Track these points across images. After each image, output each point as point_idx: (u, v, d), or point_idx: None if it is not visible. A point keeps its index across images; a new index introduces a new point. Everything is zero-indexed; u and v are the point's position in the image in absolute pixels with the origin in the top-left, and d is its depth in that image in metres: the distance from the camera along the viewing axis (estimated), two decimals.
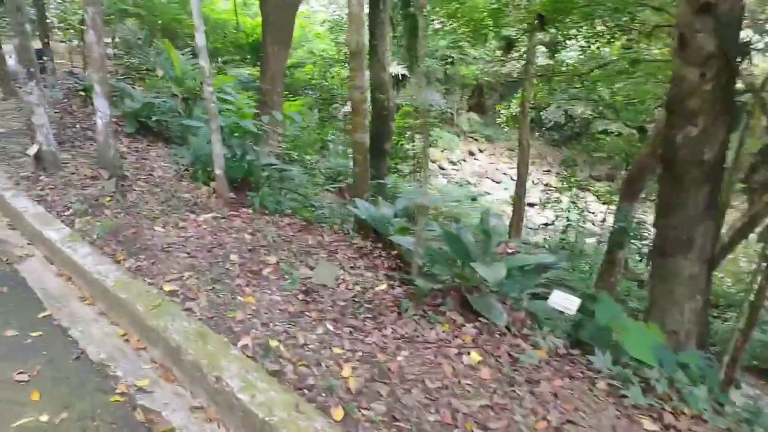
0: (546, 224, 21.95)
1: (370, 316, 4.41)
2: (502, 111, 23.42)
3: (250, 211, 6.55)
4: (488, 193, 27.02)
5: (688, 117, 5.88)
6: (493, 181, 29.29)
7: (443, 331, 4.29)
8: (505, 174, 29.93)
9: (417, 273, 4.81)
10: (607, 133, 25.46)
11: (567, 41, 10.62)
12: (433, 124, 22.44)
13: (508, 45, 11.81)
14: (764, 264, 6.08)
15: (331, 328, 4.11)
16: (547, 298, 4.72)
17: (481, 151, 31.28)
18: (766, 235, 5.85)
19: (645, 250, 13.16)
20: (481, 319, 4.57)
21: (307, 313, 4.29)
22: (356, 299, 4.64)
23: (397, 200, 6.32)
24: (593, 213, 19.55)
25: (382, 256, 6.01)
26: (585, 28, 8.76)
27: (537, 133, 30.24)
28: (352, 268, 5.48)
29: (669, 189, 6.39)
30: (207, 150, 7.15)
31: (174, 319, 3.78)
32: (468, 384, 3.53)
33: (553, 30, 9.68)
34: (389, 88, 11.94)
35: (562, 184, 19.81)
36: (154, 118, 8.42)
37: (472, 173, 29.49)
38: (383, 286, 5.03)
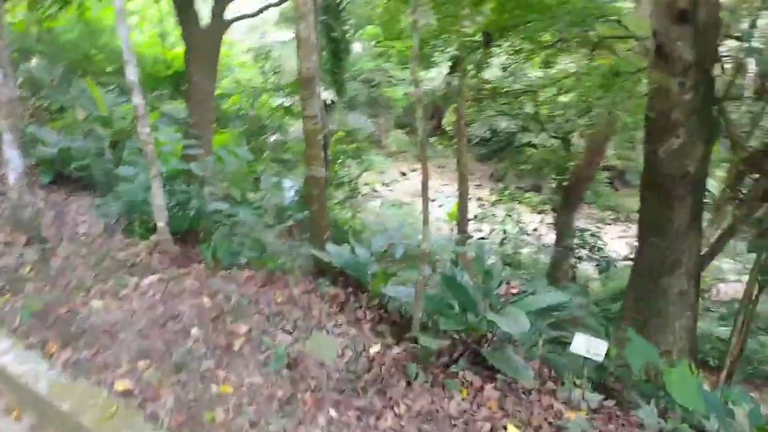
0: (482, 238, 21.91)
1: (375, 390, 3.70)
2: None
3: (202, 266, 5.65)
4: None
5: (671, 129, 5.62)
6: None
7: (463, 399, 3.65)
8: (438, 192, 29.91)
9: (419, 329, 4.15)
10: (531, 145, 25.95)
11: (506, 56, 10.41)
12: (365, 147, 22.01)
13: (454, 64, 11.51)
14: (757, 275, 5.86)
15: (334, 415, 3.37)
16: (563, 342, 4.20)
17: (412, 171, 31.20)
18: (756, 244, 5.65)
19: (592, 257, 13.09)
20: (497, 375, 3.97)
21: (300, 398, 3.53)
22: (352, 369, 3.91)
23: (372, 240, 5.66)
24: (526, 223, 19.72)
25: (361, 306, 5.29)
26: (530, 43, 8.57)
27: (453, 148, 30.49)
28: (334, 326, 4.74)
29: (653, 207, 6.11)
30: (142, 198, 6.21)
31: None
32: None
33: (498, 47, 9.41)
34: (322, 114, 11.39)
35: (496, 197, 19.81)
36: (73, 165, 7.35)
37: (404, 193, 29.26)
38: (377, 347, 4.32)
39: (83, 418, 3.08)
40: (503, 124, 28.37)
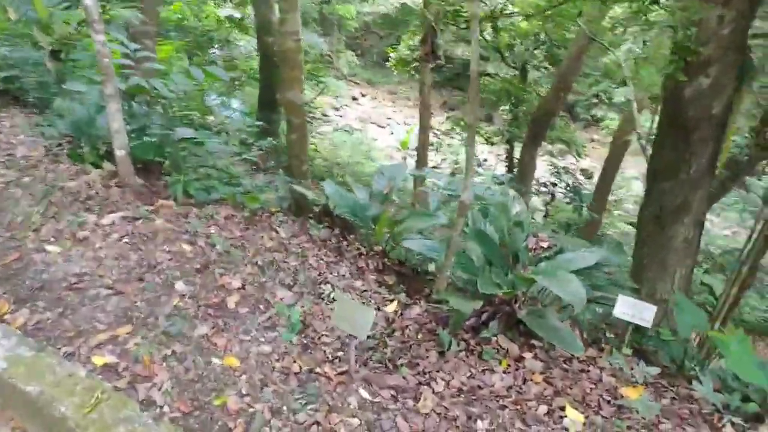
0: (434, 167, 21.55)
1: (405, 361, 3.18)
2: (391, 54, 22.12)
3: (171, 203, 4.85)
4: (375, 139, 25.98)
5: (702, 66, 5.13)
6: (378, 126, 28.25)
7: (505, 372, 3.20)
8: (389, 119, 29.05)
9: (447, 289, 3.63)
10: (486, 74, 25.29)
11: None
12: (318, 70, 20.67)
13: None
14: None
15: (366, 396, 2.84)
16: (600, 303, 3.81)
17: (363, 96, 30.02)
18: None
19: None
20: (532, 341, 3.55)
21: (321, 373, 2.97)
22: (373, 333, 3.37)
23: (374, 180, 4.98)
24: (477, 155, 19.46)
25: (361, 253, 4.71)
26: None
27: (417, 76, 29.51)
28: (337, 278, 4.16)
29: (672, 149, 5.70)
30: (90, 118, 5.24)
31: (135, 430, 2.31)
32: None
33: None
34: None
35: (449, 126, 19.26)
36: (2, 75, 6.16)
37: (355, 119, 28.24)
38: (393, 306, 3.79)
39: (59, 406, 2.41)
40: (459, 50, 27.45)
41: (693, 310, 3.58)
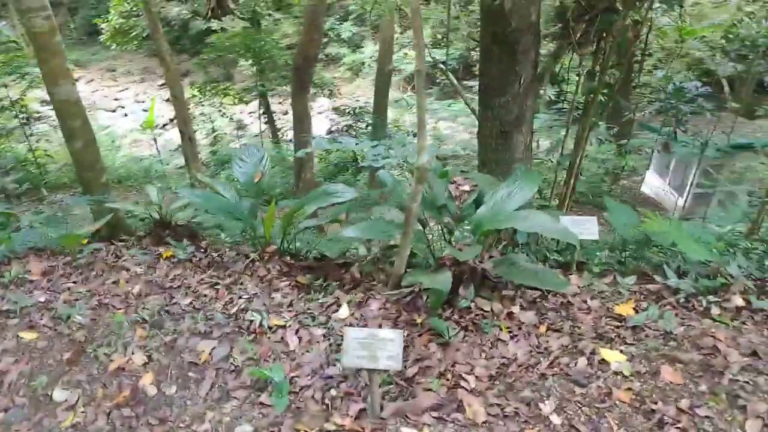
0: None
1: (414, 371, 2.62)
2: (103, 26, 18.88)
3: None
4: (107, 127, 22.72)
5: None
6: (107, 111, 24.77)
7: (513, 339, 2.86)
8: (117, 100, 25.65)
9: (408, 272, 3.06)
10: (213, 31, 23.62)
11: None
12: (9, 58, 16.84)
13: None
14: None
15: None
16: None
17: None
18: (590, 88, 5.84)
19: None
20: (504, 293, 3.25)
21: (340, 430, 2.28)
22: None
23: (235, 170, 3.92)
24: (232, 115, 18.58)
25: (254, 260, 3.81)
26: None
27: (140, 48, 26.25)
28: (248, 300, 3.29)
29: (499, 63, 5.78)
30: None
31: None
32: None
33: None
34: None
35: (198, 94, 17.74)
36: None
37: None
38: (345, 310, 3.13)
39: None
40: (174, 10, 25.07)
41: (624, 211, 3.63)
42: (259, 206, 3.85)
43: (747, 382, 2.39)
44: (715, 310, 3.01)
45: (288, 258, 3.80)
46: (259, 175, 3.84)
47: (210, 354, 2.81)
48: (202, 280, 3.54)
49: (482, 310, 3.07)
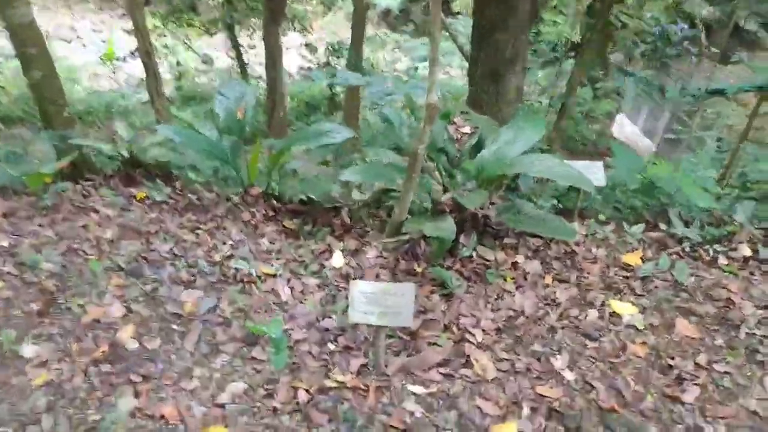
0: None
1: (418, 323, 2.46)
2: None
3: None
4: (66, 58, 21.45)
5: None
6: (64, 41, 23.33)
7: (519, 290, 2.72)
8: (73, 30, 24.15)
9: (409, 218, 2.86)
10: None
11: None
12: None
13: None
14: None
15: (418, 389, 2.12)
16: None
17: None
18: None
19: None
20: (506, 240, 3.10)
21: (341, 387, 2.12)
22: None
23: (217, 106, 3.57)
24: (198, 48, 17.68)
25: (236, 204, 3.54)
26: None
27: None
28: (233, 247, 3.06)
29: (498, 2, 5.50)
30: None
31: None
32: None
33: None
34: None
35: (161, 26, 16.74)
36: None
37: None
38: (340, 258, 2.93)
39: None
40: None
41: (629, 156, 3.46)
42: (241, 145, 3.55)
43: (765, 336, 2.30)
44: (722, 260, 2.91)
45: (274, 201, 3.55)
46: (242, 111, 3.52)
47: (195, 305, 2.59)
48: (181, 224, 3.27)
49: (485, 259, 2.91)
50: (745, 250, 2.95)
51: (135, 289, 2.66)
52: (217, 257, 2.95)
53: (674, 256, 2.95)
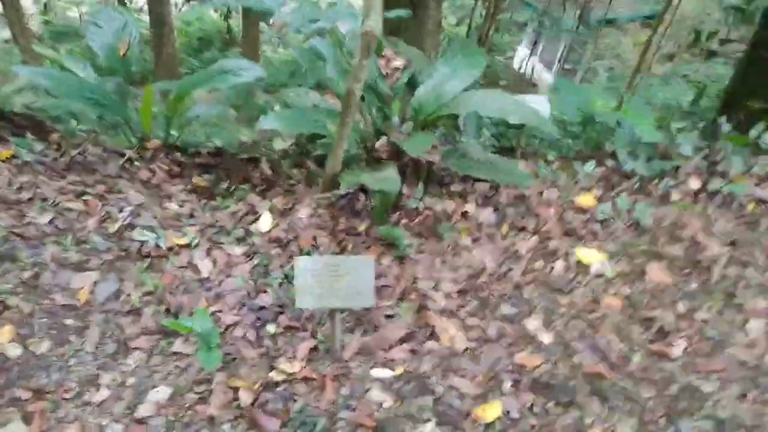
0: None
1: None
2: None
3: None
4: None
5: None
6: None
7: (474, 242, 2.43)
8: None
9: (344, 170, 2.45)
10: None
11: None
12: None
13: None
14: None
15: (383, 373, 1.80)
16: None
17: None
18: None
19: None
20: (452, 188, 2.79)
21: (290, 379, 1.76)
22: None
23: (90, 39, 2.82)
24: None
25: (131, 159, 2.94)
26: None
27: None
28: (133, 213, 2.52)
29: None
30: None
31: None
32: None
33: None
34: None
35: None
36: None
37: None
38: (268, 220, 2.49)
39: None
40: None
41: (575, 90, 3.22)
42: (129, 89, 2.93)
43: (740, 277, 2.17)
44: (675, 195, 2.78)
45: (177, 154, 2.99)
46: (124, 47, 2.88)
47: (91, 292, 2.08)
48: (62, 188, 2.65)
49: (433, 210, 2.59)
50: (695, 183, 2.83)
51: (10, 277, 2.09)
52: (112, 228, 2.41)
53: (624, 194, 2.78)
